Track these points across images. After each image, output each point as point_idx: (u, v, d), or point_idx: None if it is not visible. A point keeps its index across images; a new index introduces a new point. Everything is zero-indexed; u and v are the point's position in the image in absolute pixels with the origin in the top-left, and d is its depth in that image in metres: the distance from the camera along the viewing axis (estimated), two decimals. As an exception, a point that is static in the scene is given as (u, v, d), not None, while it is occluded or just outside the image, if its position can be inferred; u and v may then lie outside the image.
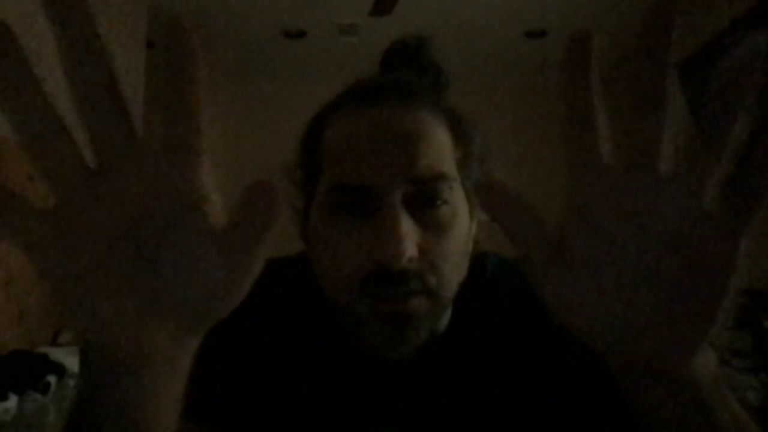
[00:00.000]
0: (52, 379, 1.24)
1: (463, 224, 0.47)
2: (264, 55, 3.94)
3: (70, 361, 1.33)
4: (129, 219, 0.27)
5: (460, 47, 3.59)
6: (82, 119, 0.25)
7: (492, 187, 0.28)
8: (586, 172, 0.28)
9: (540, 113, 4.43)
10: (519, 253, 0.30)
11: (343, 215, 0.45)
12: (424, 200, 0.44)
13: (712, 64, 2.41)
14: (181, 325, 0.29)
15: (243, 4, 3.21)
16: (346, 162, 0.45)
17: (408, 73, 0.51)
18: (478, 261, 0.54)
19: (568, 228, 0.29)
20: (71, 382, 1.28)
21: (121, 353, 0.27)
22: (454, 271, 0.46)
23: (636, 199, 0.27)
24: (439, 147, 0.45)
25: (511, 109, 4.29)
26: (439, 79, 0.53)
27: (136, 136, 0.26)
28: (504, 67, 4.12)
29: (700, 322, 0.27)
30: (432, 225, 0.44)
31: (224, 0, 3.17)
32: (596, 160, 0.27)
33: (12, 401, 1.12)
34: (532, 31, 3.51)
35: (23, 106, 0.24)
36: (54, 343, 1.88)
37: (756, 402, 2.07)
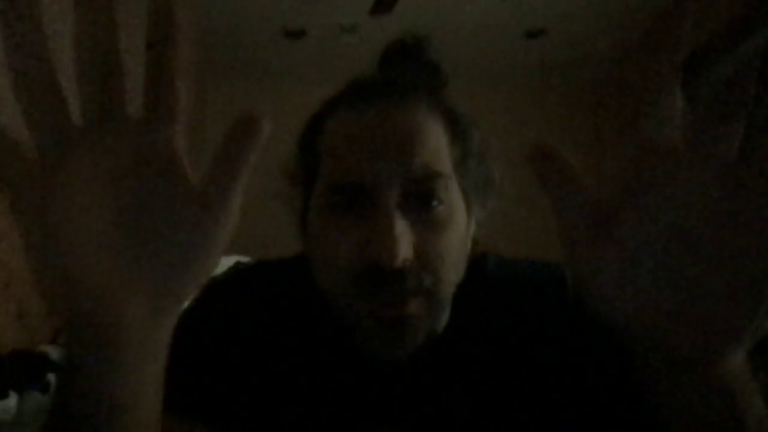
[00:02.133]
0: (52, 378, 1.24)
1: (459, 223, 0.47)
2: (264, 55, 3.94)
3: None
4: (110, 178, 0.27)
5: (460, 47, 3.58)
6: (77, 77, 0.27)
7: (541, 151, 0.28)
8: (641, 152, 0.28)
9: (540, 113, 4.43)
10: (559, 222, 0.29)
11: (338, 215, 0.45)
12: (419, 199, 0.44)
13: (713, 63, 2.42)
14: (160, 293, 0.29)
15: (243, 4, 3.21)
16: (342, 161, 0.45)
17: (405, 71, 0.51)
18: (477, 261, 0.54)
19: (613, 205, 0.28)
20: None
21: (100, 325, 0.27)
22: (450, 271, 0.46)
23: (685, 181, 0.27)
24: (435, 146, 0.45)
25: (511, 109, 4.29)
26: (437, 77, 0.52)
27: (123, 99, 0.28)
28: (504, 67, 4.11)
29: (740, 312, 0.27)
30: (427, 224, 0.44)
31: (224, 0, 3.17)
32: (652, 141, 0.28)
33: (12, 400, 1.13)
34: (532, 31, 3.51)
35: (25, 53, 0.25)
36: (54, 342, 1.88)
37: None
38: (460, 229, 0.47)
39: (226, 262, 0.58)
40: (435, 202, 0.44)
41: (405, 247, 0.41)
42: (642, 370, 0.31)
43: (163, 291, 0.29)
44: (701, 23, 2.84)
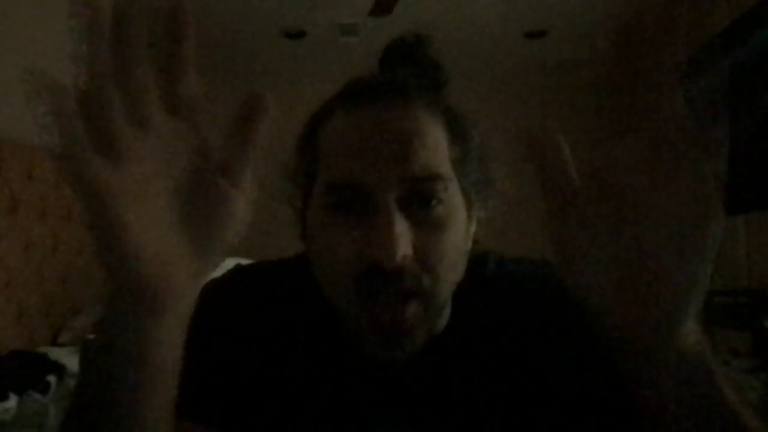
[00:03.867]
0: (52, 379, 1.24)
1: (459, 224, 0.46)
2: (264, 55, 3.94)
3: (70, 361, 1.33)
4: (164, 161, 0.31)
5: (459, 47, 3.59)
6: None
7: (537, 134, 0.33)
8: (618, 148, 0.32)
9: (540, 113, 4.44)
10: (545, 200, 0.33)
11: (338, 215, 0.45)
12: (418, 200, 0.44)
13: (713, 63, 2.41)
14: (200, 257, 0.32)
15: (243, 4, 3.21)
16: (341, 161, 0.45)
17: (405, 71, 0.51)
18: (478, 260, 0.54)
19: (586, 192, 0.32)
20: (71, 382, 1.28)
21: (154, 288, 0.30)
22: (449, 271, 0.45)
23: (649, 176, 0.31)
24: (435, 146, 0.45)
25: (511, 109, 4.29)
26: (437, 77, 0.52)
27: (149, 107, 0.30)
28: (504, 67, 4.12)
29: (682, 290, 0.31)
30: (427, 225, 0.44)
31: (224, 0, 3.17)
32: (630, 139, 0.31)
33: (12, 401, 1.12)
34: (532, 31, 3.51)
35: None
36: (54, 343, 1.88)
37: (756, 402, 2.07)
38: (459, 229, 0.47)
39: (226, 264, 0.58)
40: (434, 203, 0.44)
41: (404, 246, 0.41)
42: (618, 361, 0.34)
43: (203, 255, 0.32)
44: (701, 23, 2.84)
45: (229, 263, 0.59)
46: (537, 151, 0.33)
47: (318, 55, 3.85)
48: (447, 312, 0.51)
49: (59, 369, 1.30)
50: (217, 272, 0.56)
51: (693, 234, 0.30)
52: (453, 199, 0.46)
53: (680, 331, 0.32)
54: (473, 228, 0.51)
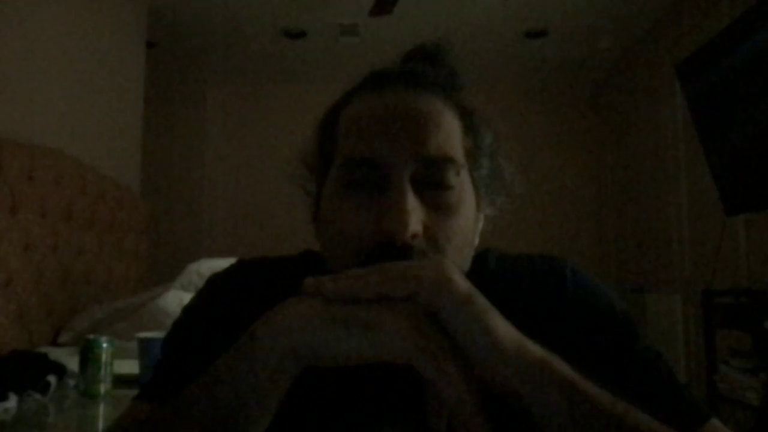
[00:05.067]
0: (52, 379, 1.24)
1: (469, 210, 0.47)
2: (264, 55, 3.94)
3: (70, 361, 1.33)
4: None
5: (460, 47, 3.57)
6: None
7: None
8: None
9: (540, 113, 4.44)
10: None
11: (353, 191, 0.46)
12: (431, 183, 0.45)
13: (713, 64, 2.41)
14: None
15: (243, 4, 3.21)
16: (359, 139, 0.46)
17: (424, 66, 0.53)
18: (479, 256, 0.54)
19: None
20: (71, 382, 1.28)
21: None
22: (457, 255, 0.46)
23: None
24: (449, 132, 0.47)
25: (511, 109, 4.29)
26: (453, 80, 0.53)
27: None
28: (504, 67, 4.12)
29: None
30: (438, 208, 0.45)
31: (224, 0, 3.17)
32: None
33: (12, 401, 1.12)
34: (532, 31, 3.52)
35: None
36: (54, 343, 1.88)
37: (756, 402, 2.07)
38: (469, 215, 0.47)
39: (226, 264, 0.58)
40: (446, 186, 0.45)
41: (415, 223, 0.42)
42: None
43: None
44: (702, 24, 2.84)
45: (229, 263, 0.59)
46: None
47: (318, 55, 3.86)
48: None
49: (59, 369, 1.29)
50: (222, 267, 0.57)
51: None
52: (464, 186, 0.47)
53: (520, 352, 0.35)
54: (481, 224, 0.52)
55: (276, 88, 4.48)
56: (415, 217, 0.42)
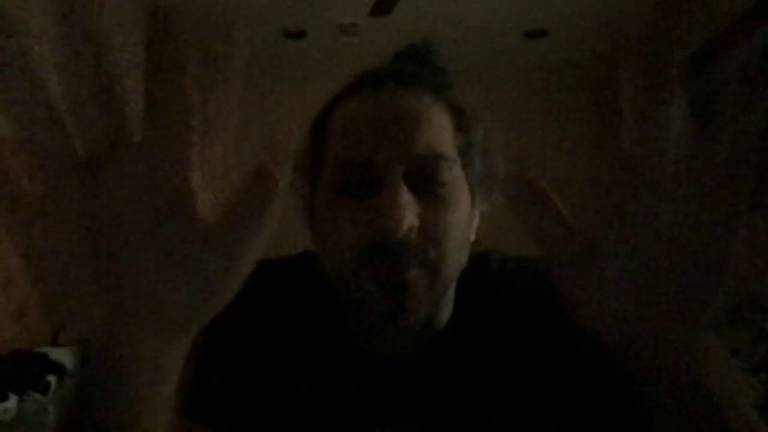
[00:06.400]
0: (52, 379, 1.24)
1: (463, 205, 0.47)
2: (264, 55, 3.94)
3: (70, 361, 1.33)
4: (115, 214, 0.26)
5: (460, 47, 3.59)
6: (72, 110, 0.26)
7: (523, 182, 0.30)
8: (631, 193, 0.30)
9: (540, 113, 4.43)
10: (542, 253, 0.31)
11: (346, 193, 0.46)
12: (424, 179, 0.45)
13: (713, 64, 2.41)
14: (168, 326, 0.29)
15: (243, 4, 3.21)
16: (350, 140, 0.46)
17: (414, 65, 0.53)
18: (481, 258, 0.54)
19: (605, 241, 0.30)
20: (71, 382, 1.28)
21: (109, 358, 0.27)
22: (454, 248, 0.46)
23: (668, 216, 0.30)
24: (440, 129, 0.47)
25: (511, 109, 4.29)
26: (442, 79, 0.53)
27: (126, 130, 0.26)
28: (504, 67, 4.12)
29: (699, 310, 0.30)
30: (432, 202, 0.45)
31: (224, 0, 3.17)
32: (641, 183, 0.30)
33: (12, 401, 1.12)
34: (532, 31, 3.51)
35: (21, 99, 0.24)
36: (54, 343, 1.88)
37: (756, 402, 2.07)
38: (463, 209, 0.47)
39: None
40: (439, 183, 0.45)
41: (410, 217, 0.42)
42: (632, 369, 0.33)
43: (172, 326, 0.29)
44: (702, 23, 2.84)
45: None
46: (526, 205, 0.30)
47: (318, 55, 3.85)
48: (450, 307, 0.52)
49: (59, 369, 1.30)
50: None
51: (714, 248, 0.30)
52: (457, 182, 0.47)
53: (695, 340, 0.31)
54: (476, 221, 0.52)
55: (276, 88, 4.48)
56: (410, 211, 0.42)
